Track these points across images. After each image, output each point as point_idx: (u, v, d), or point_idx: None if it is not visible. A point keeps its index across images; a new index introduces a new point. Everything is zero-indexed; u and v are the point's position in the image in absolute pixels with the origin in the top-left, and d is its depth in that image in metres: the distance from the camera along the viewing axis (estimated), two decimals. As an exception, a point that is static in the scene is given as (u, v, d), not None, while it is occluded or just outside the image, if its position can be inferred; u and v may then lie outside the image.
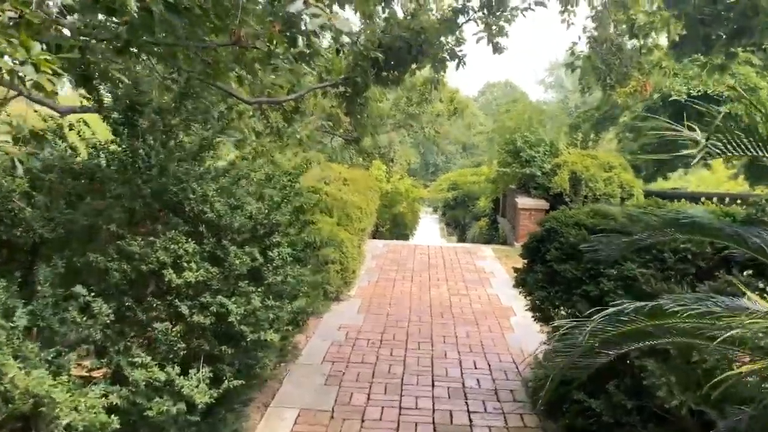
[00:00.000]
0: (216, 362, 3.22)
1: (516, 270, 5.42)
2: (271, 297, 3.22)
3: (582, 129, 17.47)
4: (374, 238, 19.44)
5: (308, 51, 4.02)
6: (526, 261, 5.33)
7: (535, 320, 5.08)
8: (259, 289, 3.23)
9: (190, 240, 3.16)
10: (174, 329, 3.10)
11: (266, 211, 3.37)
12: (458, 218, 25.33)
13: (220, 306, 3.01)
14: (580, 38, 7.89)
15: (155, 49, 3.78)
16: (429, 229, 30.89)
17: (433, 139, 16.27)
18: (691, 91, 14.56)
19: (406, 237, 21.63)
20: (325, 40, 5.84)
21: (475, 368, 6.16)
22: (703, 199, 16.60)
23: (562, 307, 4.54)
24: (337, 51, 5.29)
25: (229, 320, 3.01)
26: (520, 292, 5.32)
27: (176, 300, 3.11)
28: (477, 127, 62.17)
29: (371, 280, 9.89)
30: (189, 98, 3.75)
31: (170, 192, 3.20)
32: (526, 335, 7.28)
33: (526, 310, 5.34)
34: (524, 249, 5.21)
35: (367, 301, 8.63)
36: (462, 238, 23.58)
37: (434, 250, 12.89)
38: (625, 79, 6.17)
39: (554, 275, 4.59)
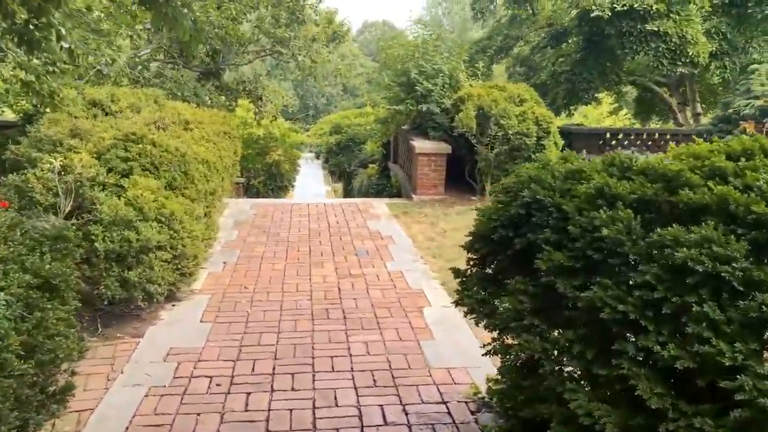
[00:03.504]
0: None
1: (457, 273, 2.98)
2: None
3: (477, 61, 15.27)
4: (246, 195, 16.45)
5: None
6: (476, 258, 2.91)
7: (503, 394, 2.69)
8: None
9: None
10: None
11: None
12: (343, 165, 22.79)
13: None
14: None
15: None
16: (312, 178, 28.16)
17: (309, 70, 13.32)
18: (615, 6, 12.70)
19: (284, 190, 18.80)
20: None
21: (385, 423, 3.77)
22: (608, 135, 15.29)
23: (581, 376, 2.17)
24: None
25: None
26: (468, 316, 2.89)
27: None
28: (357, 69, 60.13)
29: (229, 262, 7.15)
30: None
31: None
32: (451, 342, 5.02)
33: (488, 353, 2.92)
34: (477, 239, 2.76)
35: (218, 299, 5.93)
36: (348, 189, 21.18)
37: (316, 209, 10.27)
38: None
39: (557, 302, 2.20)
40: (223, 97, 14.66)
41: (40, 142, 6.83)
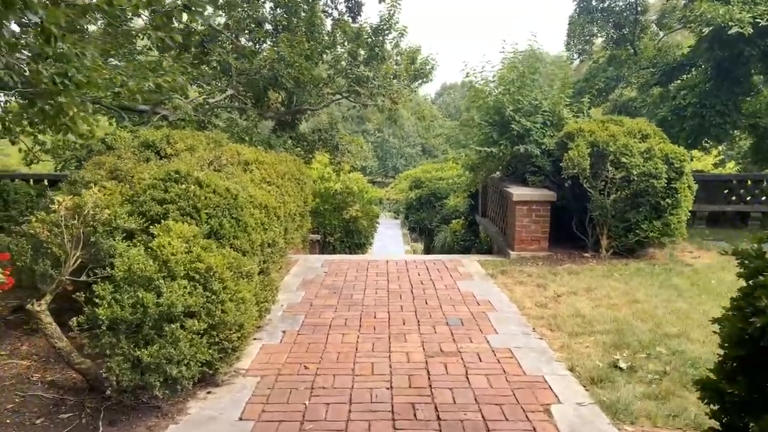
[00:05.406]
0: None
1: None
2: None
3: (581, 102, 13.62)
4: (321, 252, 15.27)
5: None
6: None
7: None
8: None
9: None
10: None
11: None
12: (424, 222, 21.32)
13: None
14: None
15: None
16: (390, 238, 26.85)
17: (389, 113, 12.06)
18: (758, 21, 10.66)
19: (362, 247, 17.51)
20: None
21: None
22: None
23: None
24: None
25: None
26: None
27: None
28: (437, 129, 59.97)
29: (289, 331, 5.69)
30: None
31: None
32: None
33: None
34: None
35: (268, 383, 4.44)
36: (430, 247, 19.62)
37: (395, 266, 8.73)
38: None
39: None
40: (299, 149, 13.67)
41: (74, 185, 5.83)
